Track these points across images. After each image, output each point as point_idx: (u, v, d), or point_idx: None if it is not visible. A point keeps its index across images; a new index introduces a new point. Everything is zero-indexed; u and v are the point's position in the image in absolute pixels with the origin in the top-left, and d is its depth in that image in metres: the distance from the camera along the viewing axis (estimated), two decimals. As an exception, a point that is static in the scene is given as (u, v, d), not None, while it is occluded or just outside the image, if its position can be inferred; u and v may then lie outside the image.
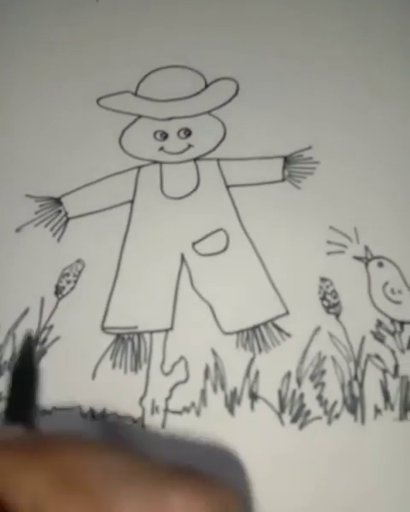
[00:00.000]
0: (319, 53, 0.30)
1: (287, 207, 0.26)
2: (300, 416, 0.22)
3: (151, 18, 0.31)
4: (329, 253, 0.25)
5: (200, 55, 0.30)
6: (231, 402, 0.23)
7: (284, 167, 0.27)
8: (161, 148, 0.28)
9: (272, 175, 0.27)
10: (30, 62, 0.30)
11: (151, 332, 0.24)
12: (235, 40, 0.30)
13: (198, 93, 0.29)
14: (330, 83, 0.29)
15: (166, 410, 0.23)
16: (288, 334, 0.24)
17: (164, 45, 0.31)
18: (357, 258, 0.25)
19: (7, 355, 0.24)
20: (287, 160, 0.27)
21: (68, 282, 0.25)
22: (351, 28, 0.30)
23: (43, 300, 0.25)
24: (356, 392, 0.23)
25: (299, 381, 0.23)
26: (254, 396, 0.23)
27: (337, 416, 0.22)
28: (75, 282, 0.25)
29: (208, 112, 0.29)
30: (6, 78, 0.30)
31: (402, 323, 0.24)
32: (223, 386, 0.23)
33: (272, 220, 0.26)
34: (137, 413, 0.23)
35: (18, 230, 0.26)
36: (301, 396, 0.23)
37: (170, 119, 0.29)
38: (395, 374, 0.23)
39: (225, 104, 0.29)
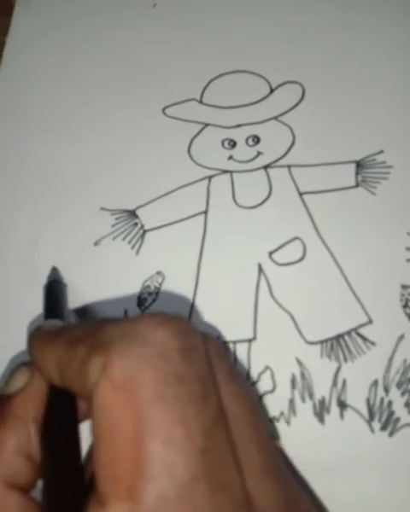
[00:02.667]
0: (386, 53, 0.29)
1: (363, 214, 0.26)
2: (389, 424, 0.23)
3: (210, 23, 0.31)
4: (408, 260, 0.25)
5: (263, 59, 0.30)
6: (321, 411, 0.23)
7: (357, 173, 0.27)
8: (231, 157, 0.28)
9: (346, 181, 0.27)
10: (92, 75, 0.30)
11: (234, 342, 0.25)
12: (298, 43, 0.30)
13: (264, 98, 0.29)
14: (399, 84, 0.28)
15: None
16: (372, 343, 0.24)
17: (225, 50, 0.30)
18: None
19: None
20: (359, 165, 0.27)
21: (150, 293, 0.26)
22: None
23: (126, 313, 0.26)
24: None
25: (386, 389, 0.23)
26: (342, 404, 0.23)
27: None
28: (156, 293, 0.26)
29: (275, 118, 0.29)
30: (72, 94, 0.30)
31: None
32: (311, 396, 0.23)
33: (348, 227, 0.26)
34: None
35: (96, 244, 0.27)
36: (390, 404, 0.23)
37: (237, 126, 0.29)
38: None
39: (292, 109, 0.29)
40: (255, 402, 0.18)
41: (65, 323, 0.22)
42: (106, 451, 0.15)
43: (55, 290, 0.25)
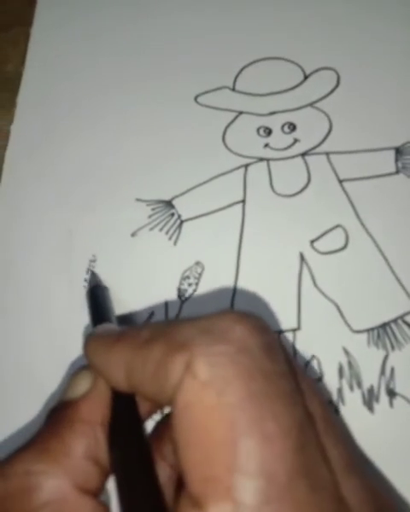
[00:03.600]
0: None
1: (405, 200, 0.26)
2: (440, 412, 0.23)
3: (241, 10, 0.30)
4: None
5: (295, 45, 0.29)
6: (370, 400, 0.23)
7: (397, 159, 0.26)
8: (267, 145, 0.28)
9: (386, 167, 0.26)
10: (122, 66, 0.30)
11: (280, 332, 0.24)
12: (331, 28, 0.29)
13: (298, 85, 0.29)
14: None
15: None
16: (419, 331, 0.24)
17: (257, 37, 0.30)
18: None
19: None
20: (399, 152, 0.27)
21: (190, 284, 0.26)
22: None
23: (167, 305, 0.25)
24: None
25: (435, 377, 0.23)
26: (392, 393, 0.23)
27: None
28: (196, 284, 0.26)
29: (311, 104, 0.28)
30: (104, 85, 0.29)
31: None
32: (359, 385, 0.23)
33: (390, 214, 0.25)
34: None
35: (133, 235, 0.27)
36: (440, 392, 0.23)
37: (272, 113, 0.28)
38: None
39: (327, 95, 0.28)
40: (324, 397, 0.18)
41: (120, 327, 0.21)
42: (198, 452, 0.15)
43: (98, 295, 0.24)
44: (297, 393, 0.15)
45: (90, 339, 0.19)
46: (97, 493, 0.17)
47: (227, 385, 0.14)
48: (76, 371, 0.19)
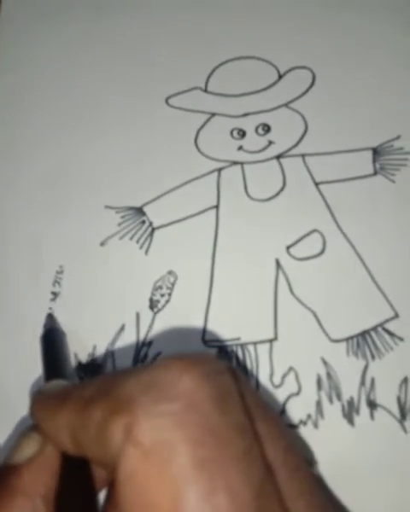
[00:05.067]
0: (398, 34, 0.28)
1: (383, 203, 0.25)
2: (423, 423, 0.22)
3: (212, 7, 0.29)
4: (434, 250, 0.24)
5: (269, 44, 0.28)
6: (350, 412, 0.22)
7: (375, 160, 0.26)
8: (240, 148, 0.27)
9: (363, 169, 0.25)
10: (91, 68, 0.29)
11: (255, 343, 0.23)
12: (305, 26, 0.28)
13: (272, 85, 0.28)
14: (414, 64, 0.27)
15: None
16: (400, 338, 0.23)
17: (229, 36, 0.29)
18: None
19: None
20: (376, 152, 0.26)
21: (162, 295, 0.25)
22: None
23: (138, 316, 0.24)
24: None
25: (417, 387, 0.22)
26: (372, 404, 0.22)
27: None
28: (169, 294, 0.25)
29: (286, 104, 0.27)
30: (72, 88, 0.28)
31: None
32: (338, 397, 0.22)
33: (369, 217, 0.24)
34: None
35: (102, 244, 0.25)
36: (422, 402, 0.22)
37: (245, 115, 0.27)
38: None
39: (302, 95, 0.27)
40: (289, 438, 0.16)
41: (70, 382, 0.20)
42: None
43: (53, 342, 0.23)
44: (255, 450, 0.14)
45: (36, 399, 0.17)
46: None
47: (172, 452, 0.13)
48: (24, 431, 0.17)
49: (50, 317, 0.24)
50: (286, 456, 0.15)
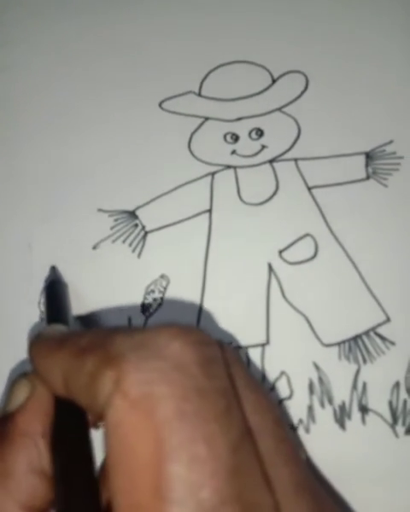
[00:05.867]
0: (392, 39, 0.28)
1: (375, 207, 0.25)
2: (414, 428, 0.22)
3: (207, 12, 0.29)
4: (426, 254, 0.24)
5: (263, 48, 0.28)
6: (341, 416, 0.22)
7: (367, 164, 0.26)
8: (234, 152, 0.27)
9: (356, 173, 0.26)
10: (84, 70, 0.28)
11: (247, 347, 0.23)
12: (298, 30, 0.28)
13: (266, 89, 0.28)
14: (407, 71, 0.27)
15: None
16: (392, 343, 0.23)
17: (223, 40, 0.29)
18: None
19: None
20: (369, 157, 0.26)
21: (155, 299, 0.25)
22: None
23: (130, 320, 0.24)
24: None
25: (409, 391, 0.22)
26: (364, 409, 0.22)
27: None
28: (161, 298, 0.25)
29: (279, 109, 0.27)
30: (65, 90, 0.28)
31: None
32: (330, 401, 0.22)
33: (361, 222, 0.24)
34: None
35: (95, 248, 0.25)
36: (414, 407, 0.22)
37: (239, 119, 0.27)
38: None
39: (295, 99, 0.27)
40: (278, 412, 0.17)
41: (69, 329, 0.21)
42: (124, 477, 0.14)
43: (56, 291, 0.23)
44: (235, 412, 0.15)
45: (34, 340, 0.18)
46: (47, 508, 0.16)
47: (157, 404, 0.14)
48: (14, 379, 0.18)
49: (53, 270, 0.24)
50: (275, 427, 0.15)
